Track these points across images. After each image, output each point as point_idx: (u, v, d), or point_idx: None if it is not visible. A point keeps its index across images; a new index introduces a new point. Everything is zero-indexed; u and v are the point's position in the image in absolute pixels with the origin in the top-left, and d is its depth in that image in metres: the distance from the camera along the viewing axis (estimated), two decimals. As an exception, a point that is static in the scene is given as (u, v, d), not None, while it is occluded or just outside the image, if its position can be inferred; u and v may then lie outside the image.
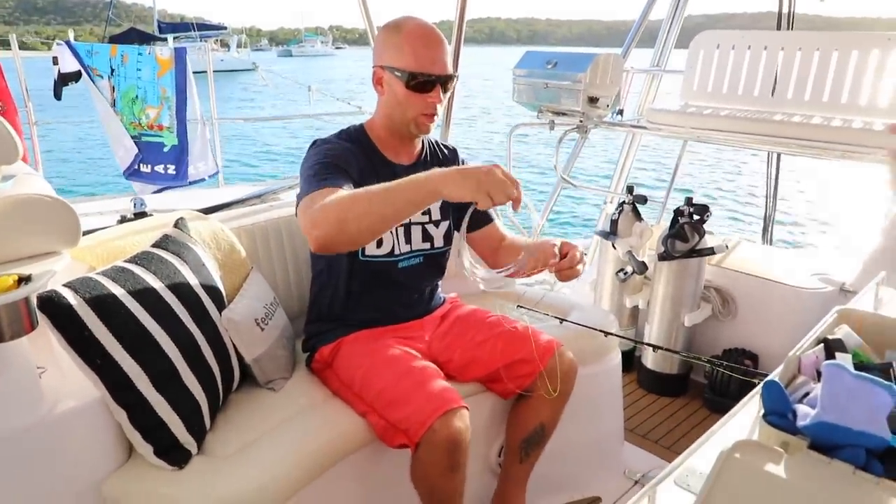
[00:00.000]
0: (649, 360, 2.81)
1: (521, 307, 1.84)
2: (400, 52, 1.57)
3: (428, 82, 1.58)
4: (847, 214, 9.66)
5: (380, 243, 1.72)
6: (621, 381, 2.23)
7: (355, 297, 1.77)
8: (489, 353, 1.75)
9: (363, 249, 1.71)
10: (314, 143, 1.66)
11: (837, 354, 0.91)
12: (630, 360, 2.93)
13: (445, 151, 1.86)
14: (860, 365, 0.86)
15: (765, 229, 4.00)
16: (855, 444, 0.71)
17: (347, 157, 1.59)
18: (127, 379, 1.31)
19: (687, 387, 2.81)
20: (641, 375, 2.85)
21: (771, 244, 3.95)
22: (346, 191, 1.35)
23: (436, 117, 1.65)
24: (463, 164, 1.86)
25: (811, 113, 2.60)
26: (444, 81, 1.61)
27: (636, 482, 2.18)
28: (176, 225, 1.68)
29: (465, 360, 1.77)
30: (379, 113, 1.71)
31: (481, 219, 1.86)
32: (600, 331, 1.81)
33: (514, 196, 1.22)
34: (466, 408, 1.52)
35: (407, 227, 1.76)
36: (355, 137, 1.70)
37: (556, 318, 1.99)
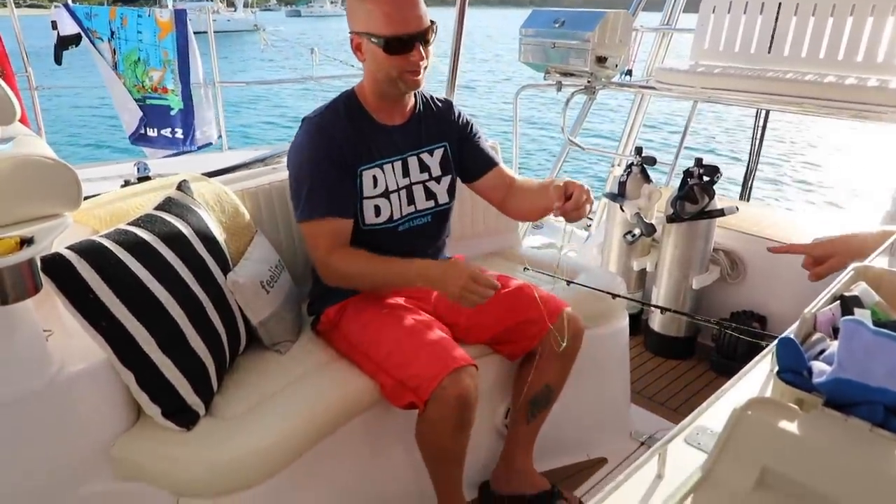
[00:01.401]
0: (656, 322, 2.80)
1: (528, 269, 1.83)
2: (371, 17, 1.52)
3: (405, 43, 1.53)
4: (858, 176, 9.52)
5: (378, 212, 1.70)
6: (628, 343, 2.22)
7: None
8: (496, 314, 1.74)
9: (363, 220, 1.69)
10: (304, 119, 1.68)
11: (855, 310, 0.88)
12: (637, 323, 2.92)
13: (439, 104, 1.83)
14: (878, 322, 0.84)
15: (744, 185, 3.93)
16: (873, 400, 0.69)
17: (333, 152, 1.62)
18: (133, 341, 1.31)
19: (694, 350, 2.81)
20: (648, 338, 2.85)
21: (748, 201, 3.87)
22: (352, 259, 1.64)
23: (424, 68, 1.60)
24: (459, 115, 1.83)
25: (826, 72, 2.54)
26: (423, 37, 1.56)
27: (642, 443, 2.19)
28: (179, 187, 1.66)
29: (472, 322, 1.76)
30: (366, 78, 1.68)
31: (485, 163, 1.84)
32: (608, 293, 1.79)
33: (490, 295, 1.48)
34: (475, 366, 1.52)
35: (409, 189, 1.73)
36: (346, 107, 1.69)
37: (563, 280, 1.97)
